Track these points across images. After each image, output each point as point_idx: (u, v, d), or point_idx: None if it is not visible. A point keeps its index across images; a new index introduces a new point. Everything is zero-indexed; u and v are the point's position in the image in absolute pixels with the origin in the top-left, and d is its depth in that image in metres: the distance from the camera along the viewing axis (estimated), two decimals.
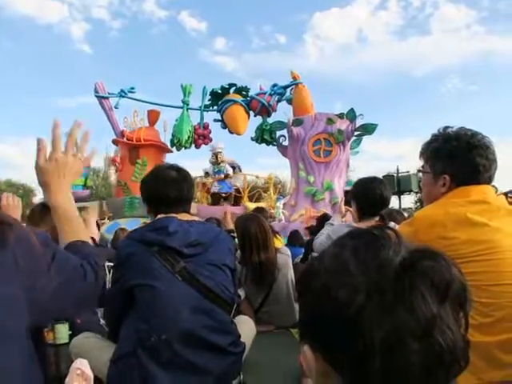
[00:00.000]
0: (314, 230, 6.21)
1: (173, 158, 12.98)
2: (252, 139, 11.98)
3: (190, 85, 12.02)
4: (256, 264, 3.55)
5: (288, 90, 11.96)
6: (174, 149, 12.08)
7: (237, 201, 11.68)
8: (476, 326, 1.63)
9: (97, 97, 11.74)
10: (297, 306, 3.53)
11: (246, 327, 2.76)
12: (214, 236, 2.30)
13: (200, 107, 12.12)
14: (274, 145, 12.02)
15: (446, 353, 0.67)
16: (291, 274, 3.78)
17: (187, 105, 11.94)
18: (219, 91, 12.16)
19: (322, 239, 3.37)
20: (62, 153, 1.45)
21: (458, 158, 1.93)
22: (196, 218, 2.42)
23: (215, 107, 12.36)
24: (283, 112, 12.05)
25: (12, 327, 1.04)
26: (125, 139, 11.76)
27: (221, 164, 11.64)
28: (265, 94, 11.69)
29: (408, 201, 31.01)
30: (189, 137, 11.59)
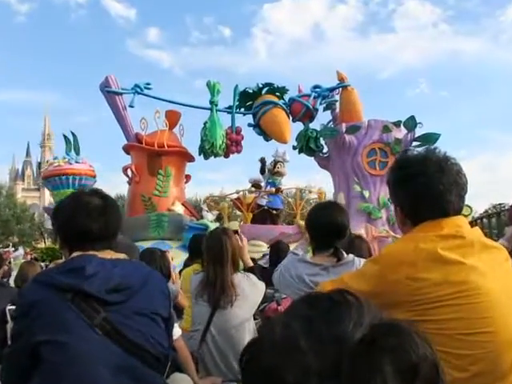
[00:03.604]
0: (271, 260, 5.75)
1: (195, 167, 11.02)
2: (294, 148, 10.51)
3: (218, 82, 10.30)
4: (206, 277, 3.40)
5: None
6: (199, 157, 10.33)
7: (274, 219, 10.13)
8: (450, 383, 1.39)
9: (108, 92, 9.67)
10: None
11: None
12: (143, 278, 2.03)
13: (230, 109, 10.42)
14: (313, 155, 10.64)
15: None
16: (252, 308, 3.47)
17: (216, 105, 10.20)
18: (250, 91, 10.60)
19: (277, 275, 3.09)
20: None
21: (402, 189, 1.85)
22: (121, 256, 2.13)
23: (242, 109, 10.79)
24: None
25: None
26: (143, 145, 9.78)
27: (275, 175, 10.01)
28: (309, 96, 10.29)
29: None
30: (222, 142, 9.89)
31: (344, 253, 2.88)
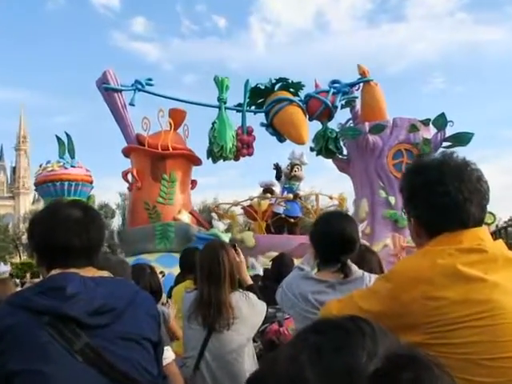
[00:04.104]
0: (269, 275, 5.50)
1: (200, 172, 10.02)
2: (312, 150, 9.59)
3: (227, 78, 9.35)
4: (199, 297, 3.20)
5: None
6: (207, 160, 9.37)
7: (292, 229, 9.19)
8: None
9: (105, 89, 8.65)
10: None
11: None
12: (129, 298, 1.88)
13: (241, 107, 9.46)
14: (332, 157, 9.74)
15: None
16: (251, 331, 3.27)
17: (224, 103, 9.24)
18: (262, 87, 9.68)
19: (279, 293, 2.90)
20: None
21: (416, 198, 1.72)
22: (105, 274, 1.98)
23: (253, 107, 9.88)
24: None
25: None
26: (146, 147, 8.78)
27: (293, 180, 9.07)
28: (327, 92, 9.39)
29: None
30: (233, 144, 8.94)
31: (353, 267, 2.67)
